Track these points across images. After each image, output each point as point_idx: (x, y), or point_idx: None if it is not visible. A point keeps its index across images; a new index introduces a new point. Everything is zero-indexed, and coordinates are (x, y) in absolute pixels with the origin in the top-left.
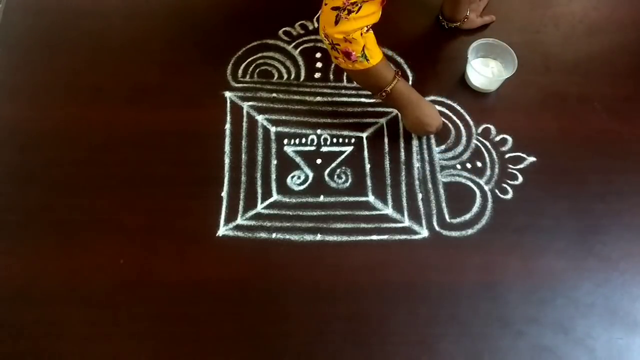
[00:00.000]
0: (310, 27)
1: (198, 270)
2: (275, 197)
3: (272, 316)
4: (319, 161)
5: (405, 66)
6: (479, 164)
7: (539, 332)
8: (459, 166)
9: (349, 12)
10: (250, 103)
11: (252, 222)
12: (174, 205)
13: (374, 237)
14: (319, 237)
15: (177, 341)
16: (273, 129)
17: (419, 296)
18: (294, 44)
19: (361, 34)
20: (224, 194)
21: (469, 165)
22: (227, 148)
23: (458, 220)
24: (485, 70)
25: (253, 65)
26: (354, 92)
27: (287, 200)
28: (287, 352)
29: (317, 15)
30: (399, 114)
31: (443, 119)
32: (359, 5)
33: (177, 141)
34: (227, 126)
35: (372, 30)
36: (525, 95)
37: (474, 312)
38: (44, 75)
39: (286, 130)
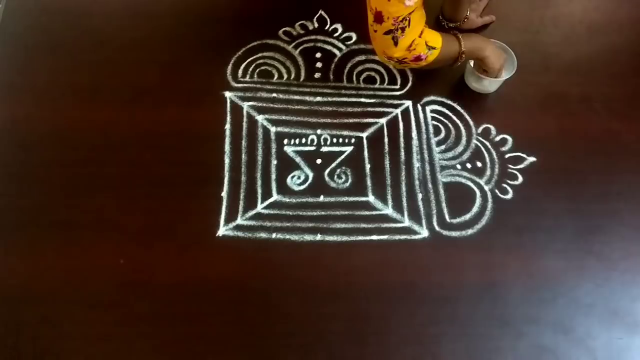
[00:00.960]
0: (310, 27)
1: (198, 270)
2: (275, 197)
3: (272, 316)
4: (319, 161)
5: None
6: (479, 164)
7: (539, 332)
8: (459, 166)
9: (402, 29)
10: (250, 103)
11: (252, 222)
12: (174, 205)
13: (374, 237)
14: (319, 237)
15: (177, 341)
16: (273, 129)
17: (419, 296)
18: (294, 44)
19: (420, 36)
20: (224, 194)
21: (469, 165)
22: (227, 148)
23: (458, 220)
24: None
25: (253, 65)
26: (354, 92)
27: (287, 200)
28: (287, 352)
29: (316, 16)
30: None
31: (442, 123)
32: (408, 18)
33: (177, 141)
34: (227, 126)
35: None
36: (525, 95)
37: (474, 312)
38: (44, 75)
39: (286, 130)
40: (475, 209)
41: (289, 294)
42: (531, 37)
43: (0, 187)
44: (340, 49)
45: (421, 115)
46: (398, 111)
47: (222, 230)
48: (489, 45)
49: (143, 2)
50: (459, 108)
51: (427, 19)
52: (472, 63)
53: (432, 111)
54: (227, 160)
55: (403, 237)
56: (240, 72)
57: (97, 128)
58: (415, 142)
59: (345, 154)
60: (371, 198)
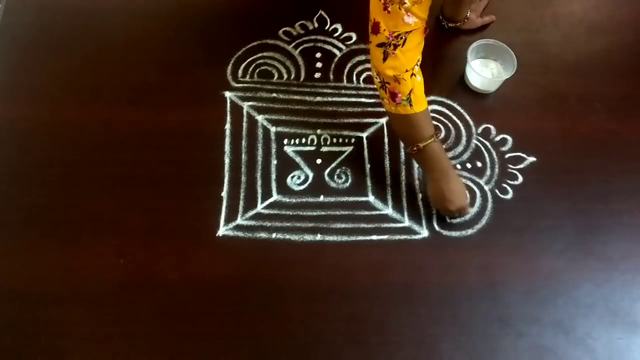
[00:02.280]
0: (310, 27)
1: (198, 270)
2: (275, 197)
3: (272, 316)
4: (319, 161)
5: None
6: (479, 164)
7: (539, 332)
8: (459, 166)
9: (395, 46)
10: (250, 103)
11: (252, 222)
12: (174, 205)
13: (374, 237)
14: (319, 237)
15: (177, 341)
16: (273, 129)
17: (419, 296)
18: (294, 44)
19: (411, 75)
20: (224, 194)
21: (469, 165)
22: (227, 148)
23: (458, 220)
24: (484, 71)
25: (253, 65)
26: (354, 92)
27: (287, 200)
28: (287, 352)
29: (316, 16)
30: (424, 179)
31: (442, 123)
32: (404, 37)
33: (177, 141)
34: (227, 126)
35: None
36: (525, 95)
37: (474, 312)
38: (44, 75)
39: (286, 130)
40: (475, 209)
41: (289, 294)
42: (531, 37)
43: (0, 187)
44: (340, 49)
45: None
46: None
47: (222, 230)
48: (446, 182)
49: (143, 2)
50: (459, 108)
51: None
52: (471, 64)
53: (432, 111)
54: (227, 160)
55: (403, 237)
56: (240, 72)
57: (97, 128)
58: None
59: (345, 154)
60: (371, 198)
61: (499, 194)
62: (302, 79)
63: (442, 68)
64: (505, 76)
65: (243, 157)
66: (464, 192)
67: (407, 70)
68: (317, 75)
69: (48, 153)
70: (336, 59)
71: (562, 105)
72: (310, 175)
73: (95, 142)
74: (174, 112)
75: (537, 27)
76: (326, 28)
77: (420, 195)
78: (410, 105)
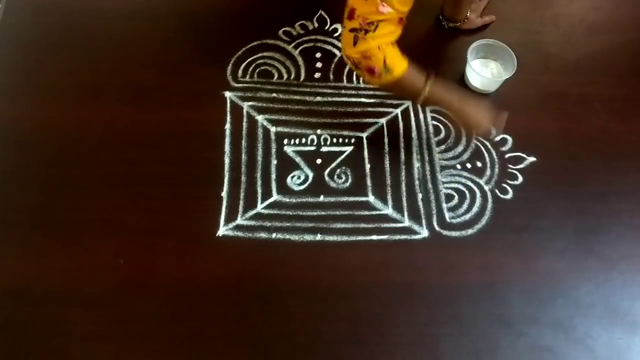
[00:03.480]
0: (310, 27)
1: (198, 270)
2: (275, 197)
3: (272, 316)
4: (319, 161)
5: None
6: (479, 164)
7: (539, 332)
8: (459, 166)
9: (366, 31)
10: (250, 103)
11: (252, 222)
12: (174, 205)
13: (374, 237)
14: (319, 237)
15: (177, 341)
16: (273, 129)
17: (419, 296)
18: (294, 44)
19: (378, 48)
20: (224, 194)
21: (469, 165)
22: (227, 148)
23: (458, 220)
24: (484, 71)
25: (253, 65)
26: (354, 92)
27: (287, 200)
28: (287, 352)
29: (316, 16)
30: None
31: (442, 123)
32: (375, 24)
33: (177, 141)
34: (227, 126)
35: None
36: (525, 95)
37: (474, 312)
38: (44, 75)
39: (286, 130)
40: (475, 209)
41: (289, 294)
42: (531, 37)
43: (0, 187)
44: (340, 49)
45: (421, 115)
46: (398, 111)
47: (222, 230)
48: (464, 112)
49: (143, 2)
50: None
51: (426, 18)
52: (471, 64)
53: (432, 111)
54: (227, 160)
55: (403, 237)
56: (240, 72)
57: (97, 128)
58: (415, 142)
59: (345, 154)
60: (371, 198)
61: (499, 194)
62: (302, 79)
63: (442, 68)
64: (505, 76)
65: (243, 157)
66: (483, 111)
67: (371, 48)
68: (317, 75)
69: (48, 153)
70: (336, 59)
71: (562, 105)
72: (310, 175)
73: (95, 142)
74: (174, 112)
75: (537, 27)
76: (326, 28)
77: (420, 195)
78: (391, 72)
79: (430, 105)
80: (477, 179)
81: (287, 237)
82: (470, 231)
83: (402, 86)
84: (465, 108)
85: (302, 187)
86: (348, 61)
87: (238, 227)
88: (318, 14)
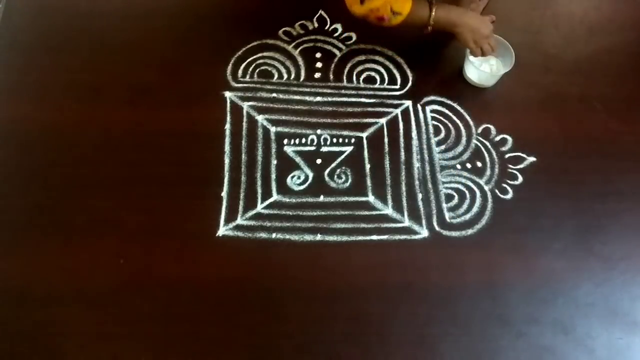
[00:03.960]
0: (310, 27)
1: (198, 270)
2: (275, 197)
3: (272, 316)
4: (319, 161)
5: (404, 65)
6: (479, 164)
7: (539, 332)
8: (459, 166)
9: None
10: (250, 103)
11: (252, 222)
12: (174, 205)
13: (374, 237)
14: (319, 237)
15: (177, 341)
16: (273, 129)
17: (419, 296)
18: (294, 44)
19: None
20: (224, 194)
21: (469, 165)
22: (227, 148)
23: (458, 220)
24: (483, 66)
25: (253, 65)
26: (354, 92)
27: (287, 200)
28: (287, 352)
29: (316, 16)
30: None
31: (442, 123)
32: None
33: (177, 141)
34: (227, 126)
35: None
36: (525, 95)
37: (474, 311)
38: (44, 75)
39: (286, 130)
40: (475, 209)
41: (289, 294)
42: (531, 37)
43: (0, 187)
44: (340, 49)
45: (421, 115)
46: (398, 111)
47: (222, 230)
48: (465, 21)
49: (143, 2)
50: (459, 108)
51: None
52: (469, 57)
53: (432, 111)
54: (227, 160)
55: (403, 237)
56: (240, 72)
57: (97, 128)
58: (415, 142)
59: (345, 154)
60: (371, 198)
61: (499, 194)
62: (302, 79)
63: (441, 67)
64: (504, 71)
65: (243, 157)
66: (482, 22)
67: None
68: (317, 75)
69: (48, 153)
70: (336, 59)
71: (562, 106)
72: (310, 175)
73: (95, 142)
74: (174, 112)
75: (537, 27)
76: (326, 28)
77: (420, 195)
78: (399, 14)
79: (439, 29)
80: (477, 179)
81: (287, 237)
82: (470, 231)
83: (409, 21)
84: (465, 22)
85: (302, 187)
86: (354, 15)
87: (238, 227)
88: (318, 14)
